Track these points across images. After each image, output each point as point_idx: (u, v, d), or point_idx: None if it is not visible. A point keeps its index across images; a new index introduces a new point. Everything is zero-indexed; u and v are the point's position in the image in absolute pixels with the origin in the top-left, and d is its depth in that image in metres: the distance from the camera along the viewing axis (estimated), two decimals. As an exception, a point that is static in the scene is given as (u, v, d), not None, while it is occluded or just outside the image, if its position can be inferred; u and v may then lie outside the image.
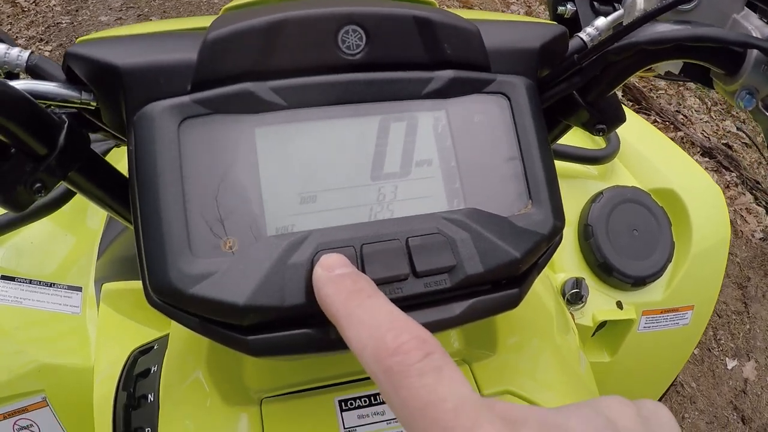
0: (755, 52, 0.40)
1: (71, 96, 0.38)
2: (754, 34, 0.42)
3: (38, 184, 0.38)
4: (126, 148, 0.48)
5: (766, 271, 2.18)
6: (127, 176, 0.45)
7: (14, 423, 0.75)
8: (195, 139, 0.34)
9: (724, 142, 2.62)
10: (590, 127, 0.47)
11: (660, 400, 1.03)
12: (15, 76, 0.41)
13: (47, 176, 0.38)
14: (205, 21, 0.39)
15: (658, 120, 2.67)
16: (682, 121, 2.67)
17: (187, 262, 0.33)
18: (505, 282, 0.39)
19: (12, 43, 0.41)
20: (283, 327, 0.34)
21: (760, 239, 2.27)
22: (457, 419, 0.21)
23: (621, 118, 0.48)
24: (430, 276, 0.35)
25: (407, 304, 0.36)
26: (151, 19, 3.33)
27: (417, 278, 0.35)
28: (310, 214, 0.35)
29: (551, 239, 0.39)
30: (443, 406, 0.21)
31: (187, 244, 0.33)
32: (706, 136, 2.62)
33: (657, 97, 2.77)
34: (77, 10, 3.44)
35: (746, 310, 2.08)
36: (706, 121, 2.72)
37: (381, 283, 0.34)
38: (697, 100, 2.82)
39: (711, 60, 0.42)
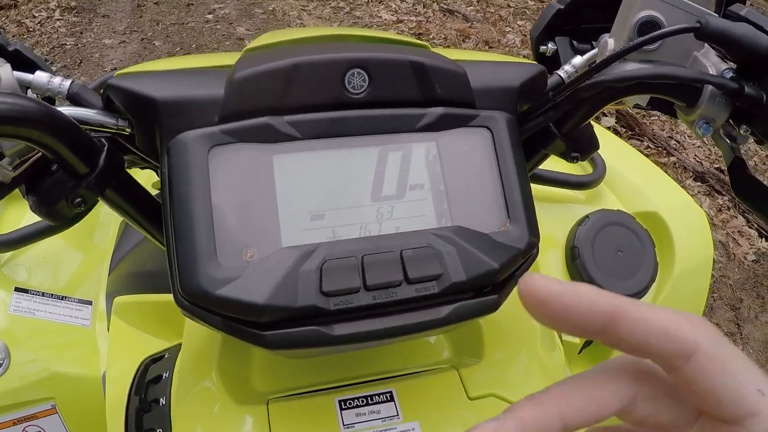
0: (710, 86, 0.45)
1: (108, 122, 0.43)
2: (711, 70, 0.47)
3: (78, 199, 0.42)
4: (142, 168, 0.53)
5: (759, 293, 2.21)
6: (152, 194, 0.49)
7: (24, 429, 0.78)
8: (222, 164, 0.40)
9: (716, 166, 2.66)
10: (566, 156, 0.52)
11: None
12: (51, 102, 0.46)
13: (87, 192, 0.43)
14: (228, 59, 0.44)
15: (650, 146, 2.72)
16: (674, 146, 2.72)
17: (214, 268, 0.38)
18: (486, 290, 0.44)
19: (52, 72, 0.46)
20: (295, 324, 0.39)
21: (752, 261, 2.30)
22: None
23: (594, 147, 0.53)
24: (421, 282, 0.41)
25: (401, 308, 0.41)
26: (154, 44, 3.40)
27: (409, 284, 0.40)
28: (319, 229, 0.41)
29: (527, 253, 0.44)
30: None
31: (215, 253, 0.38)
32: (698, 161, 2.67)
33: (650, 123, 2.83)
34: (81, 33, 3.50)
35: (739, 331, 2.10)
36: (698, 146, 2.77)
37: (378, 287, 0.40)
38: (689, 125, 2.87)
39: (672, 94, 0.47)
